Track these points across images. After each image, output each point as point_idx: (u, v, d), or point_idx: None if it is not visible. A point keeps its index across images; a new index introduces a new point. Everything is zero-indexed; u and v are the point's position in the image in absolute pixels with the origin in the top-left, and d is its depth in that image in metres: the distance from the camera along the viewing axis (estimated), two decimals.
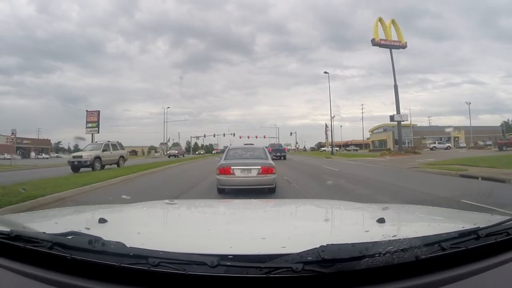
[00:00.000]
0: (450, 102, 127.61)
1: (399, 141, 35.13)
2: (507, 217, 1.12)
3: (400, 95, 33.79)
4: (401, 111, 33.81)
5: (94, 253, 0.83)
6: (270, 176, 6.74)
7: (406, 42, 34.76)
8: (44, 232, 0.94)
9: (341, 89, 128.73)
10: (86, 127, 42.72)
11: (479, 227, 0.99)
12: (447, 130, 52.75)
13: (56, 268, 0.87)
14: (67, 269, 0.86)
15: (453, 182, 9.11)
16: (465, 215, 1.70)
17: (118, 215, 1.69)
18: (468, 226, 1.06)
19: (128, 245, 0.83)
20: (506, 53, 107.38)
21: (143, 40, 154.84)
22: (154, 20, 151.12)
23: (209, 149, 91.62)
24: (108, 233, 0.95)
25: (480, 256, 0.92)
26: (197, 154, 62.30)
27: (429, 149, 41.83)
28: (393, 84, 33.87)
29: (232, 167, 6.71)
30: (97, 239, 0.85)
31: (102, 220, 1.27)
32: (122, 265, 0.80)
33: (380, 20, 34.51)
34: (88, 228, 1.14)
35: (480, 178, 8.83)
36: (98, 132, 43.03)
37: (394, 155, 29.06)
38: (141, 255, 0.80)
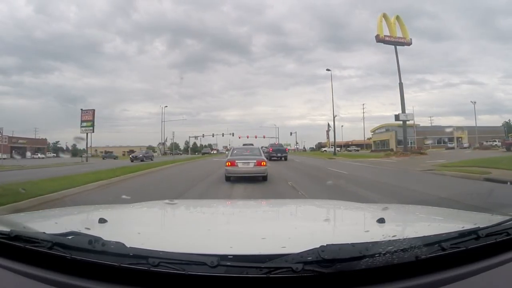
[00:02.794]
0: (448, 103, 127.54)
1: (404, 141, 34.01)
2: (507, 217, 1.12)
3: (399, 96, 33.33)
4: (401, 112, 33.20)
5: (94, 253, 0.83)
6: (263, 167, 9.74)
7: (411, 39, 33.63)
8: (44, 232, 0.94)
9: (339, 89, 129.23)
10: (81, 126, 41.62)
11: (479, 227, 0.99)
12: (449, 130, 51.99)
13: (56, 268, 0.87)
14: (67, 269, 0.86)
15: (482, 188, 7.98)
16: (465, 215, 1.70)
17: (118, 215, 1.69)
18: (468, 226, 1.06)
19: (128, 245, 0.83)
20: (505, 54, 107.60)
21: (141, 41, 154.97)
22: (151, 20, 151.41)
23: (199, 149, 79.68)
24: (108, 233, 0.95)
25: (480, 256, 0.92)
26: (134, 159, 33.72)
27: (431, 149, 40.61)
28: (398, 82, 32.82)
29: (236, 161, 9.73)
30: (97, 239, 0.84)
31: (102, 220, 1.27)
32: (122, 265, 0.80)
33: (384, 16, 33.32)
34: (88, 228, 1.14)
35: (509, 183, 7.79)
36: (93, 131, 42.07)
37: (400, 155, 28.29)
38: (141, 255, 0.80)
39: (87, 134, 40.23)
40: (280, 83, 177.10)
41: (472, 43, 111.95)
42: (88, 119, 42.04)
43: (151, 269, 0.78)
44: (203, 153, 62.13)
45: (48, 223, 1.43)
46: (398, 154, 30.27)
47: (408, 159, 23.10)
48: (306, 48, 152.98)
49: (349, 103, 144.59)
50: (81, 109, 43.45)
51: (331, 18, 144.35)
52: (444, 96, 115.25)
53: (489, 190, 7.05)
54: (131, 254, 0.81)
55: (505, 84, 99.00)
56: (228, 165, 9.72)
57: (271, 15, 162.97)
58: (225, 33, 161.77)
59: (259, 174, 9.71)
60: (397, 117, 33.14)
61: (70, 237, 0.89)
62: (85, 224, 1.31)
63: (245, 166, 9.61)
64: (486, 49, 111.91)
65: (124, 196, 5.45)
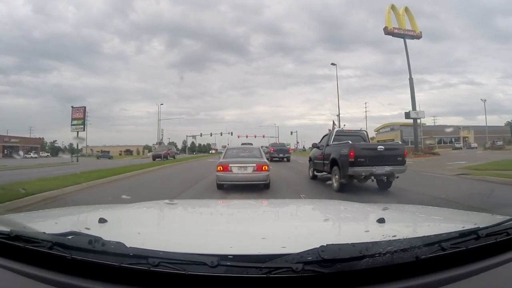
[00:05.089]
0: (447, 103, 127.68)
1: (415, 141, 31.28)
2: (507, 217, 1.12)
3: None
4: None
5: (94, 253, 0.83)
6: (264, 173, 7.50)
7: (420, 32, 31.45)
8: (44, 232, 0.94)
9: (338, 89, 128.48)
10: (71, 125, 38.85)
11: (479, 227, 0.99)
12: (456, 129, 50.54)
13: (56, 268, 0.87)
14: (67, 269, 0.86)
15: None
16: (465, 215, 1.70)
17: (118, 215, 1.69)
18: (468, 226, 1.06)
19: (128, 245, 0.83)
20: (503, 54, 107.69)
21: (139, 41, 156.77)
22: (149, 20, 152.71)
23: (197, 149, 73.12)
24: (108, 233, 0.95)
25: (480, 256, 0.92)
26: None
27: (437, 149, 37.07)
28: (408, 77, 29.96)
29: (230, 165, 7.55)
30: (97, 239, 0.84)
31: (102, 220, 1.27)
32: (122, 265, 0.80)
33: (393, 7, 31.11)
34: (88, 228, 1.14)
35: None
36: (84, 130, 39.65)
37: (412, 156, 25.18)
38: (141, 255, 0.80)
39: (77, 132, 38.28)
40: (278, 83, 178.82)
41: (471, 43, 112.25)
42: (79, 117, 39.32)
43: (151, 269, 0.78)
44: (155, 157, 30.54)
45: (48, 223, 1.43)
46: (409, 154, 27.40)
47: (424, 161, 20.89)
48: (304, 48, 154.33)
49: (347, 103, 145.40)
50: (72, 106, 40.80)
51: (329, 18, 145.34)
52: (443, 96, 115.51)
53: None
54: (131, 254, 0.81)
55: (504, 84, 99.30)
56: (220, 170, 7.57)
57: (268, 15, 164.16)
58: (223, 33, 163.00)
59: (259, 182, 7.55)
60: (407, 115, 30.25)
61: (70, 237, 0.89)
62: (85, 224, 1.31)
63: (242, 171, 7.51)
64: (484, 49, 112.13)
65: (124, 196, 5.46)
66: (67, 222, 1.49)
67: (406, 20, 31.26)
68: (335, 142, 8.78)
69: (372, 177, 7.30)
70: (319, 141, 10.51)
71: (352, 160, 7.13)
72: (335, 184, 7.91)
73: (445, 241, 0.89)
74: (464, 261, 0.90)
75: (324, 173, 9.40)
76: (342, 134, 9.50)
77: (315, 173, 10.35)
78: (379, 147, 7.63)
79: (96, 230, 1.06)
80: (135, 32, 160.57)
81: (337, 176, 7.79)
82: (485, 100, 52.50)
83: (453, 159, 19.56)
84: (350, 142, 7.74)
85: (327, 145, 9.13)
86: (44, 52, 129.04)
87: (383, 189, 7.67)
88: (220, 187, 7.74)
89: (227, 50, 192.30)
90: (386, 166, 7.20)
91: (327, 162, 8.59)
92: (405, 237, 0.87)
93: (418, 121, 31.68)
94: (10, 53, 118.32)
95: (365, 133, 10.10)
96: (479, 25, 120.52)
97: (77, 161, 32.60)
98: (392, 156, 7.48)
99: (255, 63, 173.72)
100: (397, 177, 7.50)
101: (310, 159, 10.96)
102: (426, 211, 1.85)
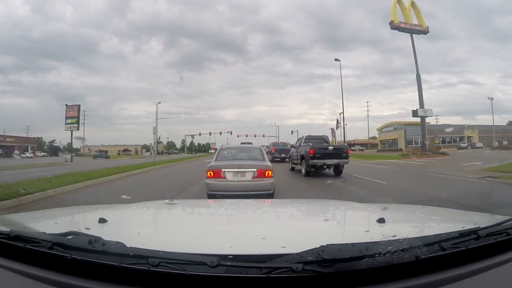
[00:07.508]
0: (446, 103, 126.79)
1: (422, 140, 30.18)
2: (507, 217, 1.12)
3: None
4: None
5: (94, 253, 0.83)
6: (267, 180, 5.93)
7: (427, 27, 30.05)
8: (44, 232, 0.94)
9: (337, 88, 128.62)
10: (65, 123, 37.41)
11: (479, 227, 0.99)
12: (452, 129, 49.93)
13: (56, 268, 0.87)
14: (67, 269, 0.86)
15: None
16: (465, 215, 1.70)
17: (118, 215, 1.69)
18: (468, 226, 1.06)
19: (128, 245, 0.83)
20: (503, 54, 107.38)
21: (137, 40, 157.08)
22: (146, 20, 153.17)
23: (196, 148, 72.03)
24: (108, 233, 0.95)
25: (480, 256, 0.92)
26: None
27: (442, 149, 34.82)
28: (415, 74, 28.54)
29: (223, 170, 5.91)
30: (97, 239, 0.85)
31: (102, 220, 1.27)
32: (122, 265, 0.80)
33: (399, 1, 29.73)
34: (88, 228, 1.14)
35: None
36: (78, 129, 38.44)
37: (421, 156, 24.63)
38: (141, 255, 0.80)
39: (71, 131, 37.29)
40: (277, 83, 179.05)
41: (470, 43, 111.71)
42: (73, 116, 38.04)
43: (151, 269, 0.78)
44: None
45: (48, 223, 1.43)
46: (417, 154, 26.26)
47: (436, 161, 19.70)
48: (302, 48, 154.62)
49: (346, 102, 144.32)
50: (66, 105, 39.23)
51: (326, 18, 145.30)
52: (442, 96, 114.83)
53: None
54: (131, 254, 0.81)
55: (503, 84, 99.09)
56: (210, 176, 5.91)
57: (266, 14, 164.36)
58: (221, 33, 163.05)
59: (261, 192, 5.72)
60: (414, 113, 28.54)
61: (70, 237, 0.89)
62: (85, 224, 1.32)
63: (239, 178, 5.87)
64: (484, 49, 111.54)
65: (124, 196, 5.45)
66: (67, 222, 1.50)
67: (412, 15, 30.14)
68: (305, 144, 12.80)
69: (325, 166, 11.68)
70: (295, 142, 15.17)
71: (312, 155, 11.38)
72: (303, 171, 12.07)
73: (445, 241, 0.89)
74: (464, 261, 0.90)
75: (298, 165, 13.12)
76: (310, 138, 13.77)
77: (293, 165, 14.32)
78: (329, 147, 12.26)
79: (96, 230, 1.06)
80: (133, 31, 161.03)
81: (304, 166, 11.98)
82: (492, 99, 49.95)
83: (465, 160, 18.60)
84: (311, 144, 12.13)
85: (300, 145, 13.27)
86: (43, 51, 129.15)
87: (337, 175, 11.73)
88: (212, 197, 5.92)
89: (225, 49, 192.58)
90: (334, 159, 11.52)
91: (299, 157, 12.75)
92: (405, 237, 0.87)
93: (417, 120, 30.68)
94: (9, 53, 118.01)
95: (327, 137, 15.09)
96: (478, 25, 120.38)
97: (72, 161, 31.36)
98: (339, 153, 11.72)
99: (253, 63, 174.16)
100: (343, 167, 11.88)
101: (290, 156, 15.71)
102: (426, 211, 1.85)
